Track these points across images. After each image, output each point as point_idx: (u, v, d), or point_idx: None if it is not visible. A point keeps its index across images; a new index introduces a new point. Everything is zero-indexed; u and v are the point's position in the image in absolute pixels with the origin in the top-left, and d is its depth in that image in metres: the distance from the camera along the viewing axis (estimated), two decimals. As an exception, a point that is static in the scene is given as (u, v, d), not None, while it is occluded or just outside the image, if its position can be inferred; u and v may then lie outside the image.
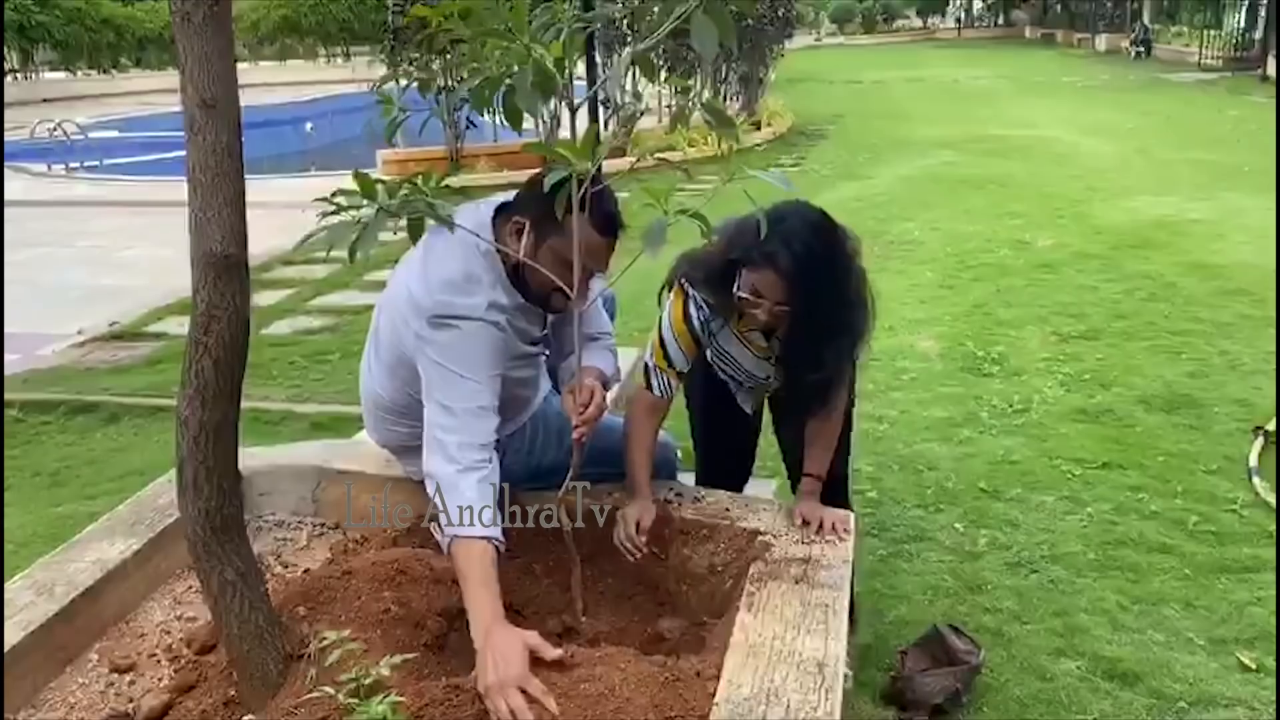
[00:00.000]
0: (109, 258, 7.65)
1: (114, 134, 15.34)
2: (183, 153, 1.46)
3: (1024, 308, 5.44)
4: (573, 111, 1.62)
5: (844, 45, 32.79)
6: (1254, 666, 2.50)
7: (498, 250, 1.90)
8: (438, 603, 1.87)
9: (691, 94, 11.98)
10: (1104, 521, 3.21)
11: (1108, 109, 14.53)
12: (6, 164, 11.12)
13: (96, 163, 12.78)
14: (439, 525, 1.83)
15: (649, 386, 2.18)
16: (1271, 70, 17.67)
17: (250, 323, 1.57)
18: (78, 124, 13.73)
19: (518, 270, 1.90)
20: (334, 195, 1.47)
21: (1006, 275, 6.11)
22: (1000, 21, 36.90)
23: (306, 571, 2.08)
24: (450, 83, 7.68)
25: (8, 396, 4.43)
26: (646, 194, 1.51)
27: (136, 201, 9.84)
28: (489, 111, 1.57)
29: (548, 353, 2.17)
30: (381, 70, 9.57)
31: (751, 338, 2.20)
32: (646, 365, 2.19)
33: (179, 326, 5.42)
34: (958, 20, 37.48)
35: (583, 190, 1.59)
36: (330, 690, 1.45)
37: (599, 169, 1.60)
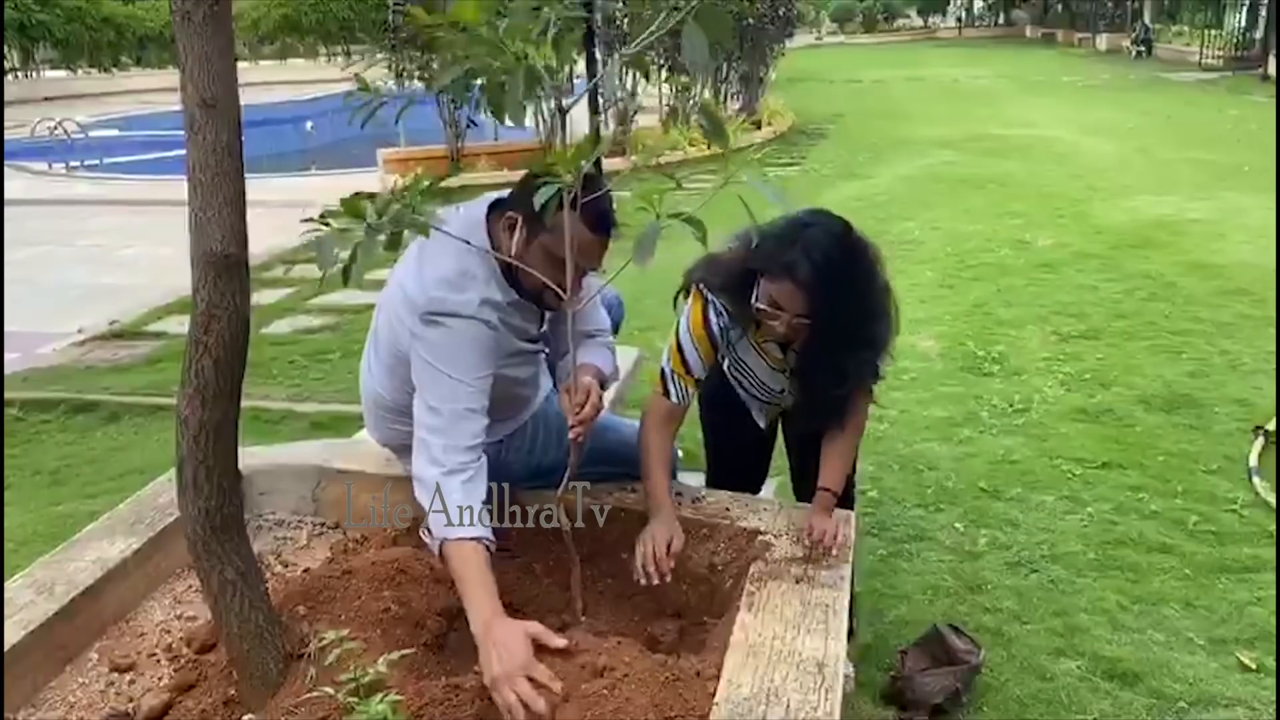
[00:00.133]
0: (109, 256, 7.65)
1: (114, 133, 15.32)
2: (183, 152, 1.46)
3: (1024, 307, 5.44)
4: (562, 113, 1.62)
5: (845, 44, 32.76)
6: (1254, 666, 2.50)
7: (490, 246, 1.90)
8: (438, 602, 1.87)
9: (690, 94, 11.98)
10: (1104, 521, 3.21)
11: (1108, 108, 14.52)
12: (7, 162, 11.11)
13: (97, 161, 12.78)
14: (429, 530, 1.84)
15: (666, 393, 2.11)
16: (1272, 70, 17.67)
17: (250, 322, 1.57)
18: (78, 122, 13.73)
19: (512, 266, 1.89)
20: (322, 217, 1.45)
21: (1007, 275, 6.11)
22: (1001, 21, 36.87)
23: (306, 571, 2.08)
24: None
25: (8, 395, 4.43)
26: (640, 199, 1.50)
27: (137, 200, 9.83)
28: (486, 110, 1.56)
29: (548, 351, 2.17)
30: (378, 70, 9.55)
31: (767, 349, 2.15)
32: (663, 371, 2.12)
33: (179, 325, 5.41)
34: (958, 20, 37.45)
35: (573, 189, 1.58)
36: (330, 689, 1.45)
37: (598, 168, 1.59)
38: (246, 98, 1.55)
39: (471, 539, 1.77)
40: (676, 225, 1.50)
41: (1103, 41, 26.35)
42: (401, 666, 1.56)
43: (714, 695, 1.55)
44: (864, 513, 3.18)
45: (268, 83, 19.44)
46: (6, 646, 1.69)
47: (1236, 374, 4.41)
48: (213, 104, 1.43)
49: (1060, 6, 32.08)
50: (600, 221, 1.83)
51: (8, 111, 13.40)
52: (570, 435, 1.88)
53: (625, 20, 9.35)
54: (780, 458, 2.63)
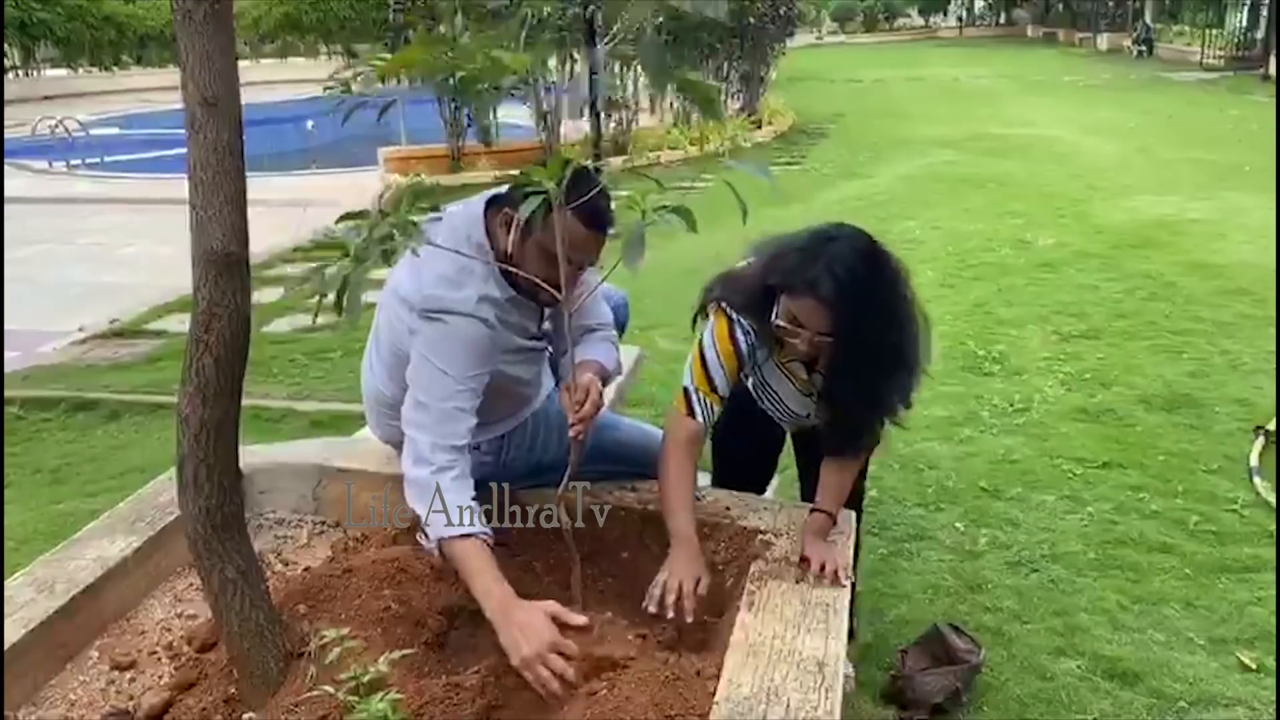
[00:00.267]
0: (110, 255, 7.65)
1: (115, 131, 15.31)
2: (184, 150, 1.46)
3: (1025, 307, 5.44)
4: (544, 116, 1.62)
5: (845, 44, 32.75)
6: (1254, 666, 2.50)
7: (489, 242, 1.90)
8: (438, 601, 1.87)
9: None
10: (1104, 521, 3.21)
11: (1109, 108, 14.52)
12: (7, 161, 11.11)
13: (97, 160, 12.78)
14: (424, 531, 1.85)
15: (690, 413, 2.01)
16: (1273, 70, 17.65)
17: (251, 320, 1.57)
18: (79, 121, 13.72)
19: (509, 261, 1.89)
20: (312, 251, 1.44)
21: (1007, 274, 6.11)
22: (1002, 20, 36.83)
23: (307, 569, 2.08)
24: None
25: (8, 394, 4.44)
26: (626, 200, 1.49)
27: (137, 199, 9.84)
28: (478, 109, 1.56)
29: (550, 349, 2.17)
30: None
31: (793, 369, 2.07)
32: (686, 390, 2.02)
33: (180, 324, 5.41)
34: (959, 19, 37.41)
35: (559, 197, 1.57)
36: (330, 688, 1.45)
37: (598, 160, 1.58)
38: (247, 96, 1.55)
39: (472, 535, 1.80)
40: (670, 222, 1.50)
41: (1104, 41, 26.34)
42: (402, 665, 1.56)
43: (714, 694, 1.55)
44: (865, 512, 3.17)
45: (269, 81, 19.42)
46: (7, 644, 1.69)
47: (1237, 374, 4.41)
48: (214, 102, 1.43)
49: (1061, 6, 32.05)
50: (595, 218, 1.82)
51: (8, 110, 13.40)
52: (570, 433, 1.88)
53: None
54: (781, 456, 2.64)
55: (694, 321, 2.12)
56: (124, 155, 13.16)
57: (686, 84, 1.53)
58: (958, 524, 3.20)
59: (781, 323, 1.87)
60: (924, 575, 2.92)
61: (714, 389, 2.01)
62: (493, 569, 1.77)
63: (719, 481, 2.44)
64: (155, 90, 20.06)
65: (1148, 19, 25.35)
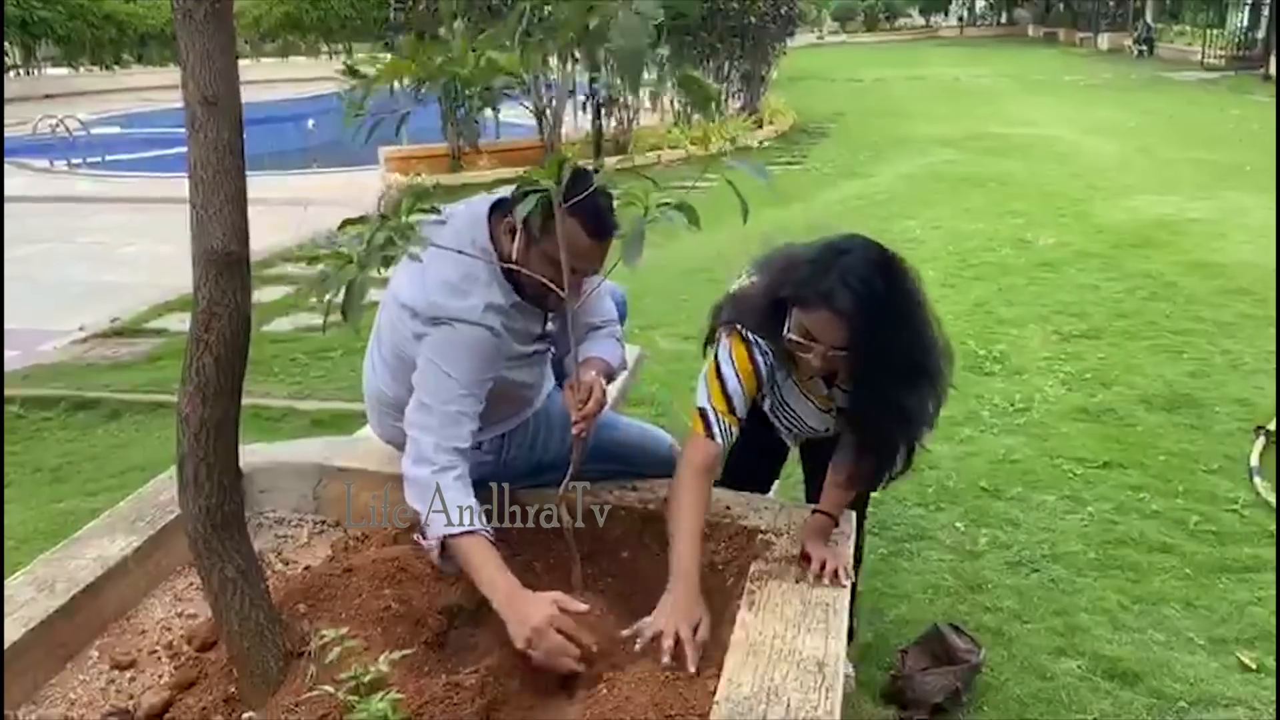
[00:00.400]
0: (110, 254, 7.65)
1: (115, 130, 15.31)
2: (184, 149, 1.46)
3: (1025, 306, 5.43)
4: (539, 116, 1.62)
5: (846, 43, 32.72)
6: (1254, 666, 2.50)
7: (492, 247, 1.90)
8: (439, 600, 1.87)
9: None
10: (1105, 521, 3.21)
11: (1109, 108, 14.50)
12: (8, 160, 11.11)
13: (98, 159, 12.77)
14: (423, 532, 1.85)
15: (710, 434, 1.93)
16: (1274, 70, 17.64)
17: (251, 319, 1.57)
18: (79, 120, 13.71)
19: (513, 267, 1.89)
20: (313, 260, 1.44)
21: (1008, 274, 6.10)
22: (1003, 20, 36.79)
23: (307, 569, 2.08)
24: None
25: (8, 392, 4.44)
26: (628, 197, 1.49)
27: (138, 198, 9.83)
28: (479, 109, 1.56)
29: (553, 350, 2.16)
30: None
31: (812, 387, 2.02)
32: (703, 410, 1.95)
33: (180, 323, 5.41)
34: (960, 19, 37.38)
35: (558, 197, 1.57)
36: (330, 688, 1.45)
37: (598, 158, 1.58)
38: (248, 95, 1.55)
39: (474, 533, 1.81)
40: (672, 219, 1.49)
41: (1104, 41, 26.31)
42: (402, 665, 1.56)
43: (714, 694, 1.55)
44: (865, 514, 3.18)
45: (269, 80, 19.40)
46: (7, 643, 1.69)
47: (1237, 374, 4.41)
48: (214, 101, 1.43)
49: (1062, 6, 32.02)
50: (599, 226, 1.82)
51: (9, 109, 13.41)
52: (573, 431, 1.88)
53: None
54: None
55: (704, 348, 2.07)
56: (125, 154, 13.15)
57: (687, 81, 1.51)
58: (958, 524, 3.20)
59: (794, 336, 1.82)
60: (924, 575, 2.92)
61: (732, 410, 1.95)
62: (497, 561, 1.79)
63: (722, 482, 2.42)
64: (156, 89, 20.04)
65: (1148, 19, 25.33)
